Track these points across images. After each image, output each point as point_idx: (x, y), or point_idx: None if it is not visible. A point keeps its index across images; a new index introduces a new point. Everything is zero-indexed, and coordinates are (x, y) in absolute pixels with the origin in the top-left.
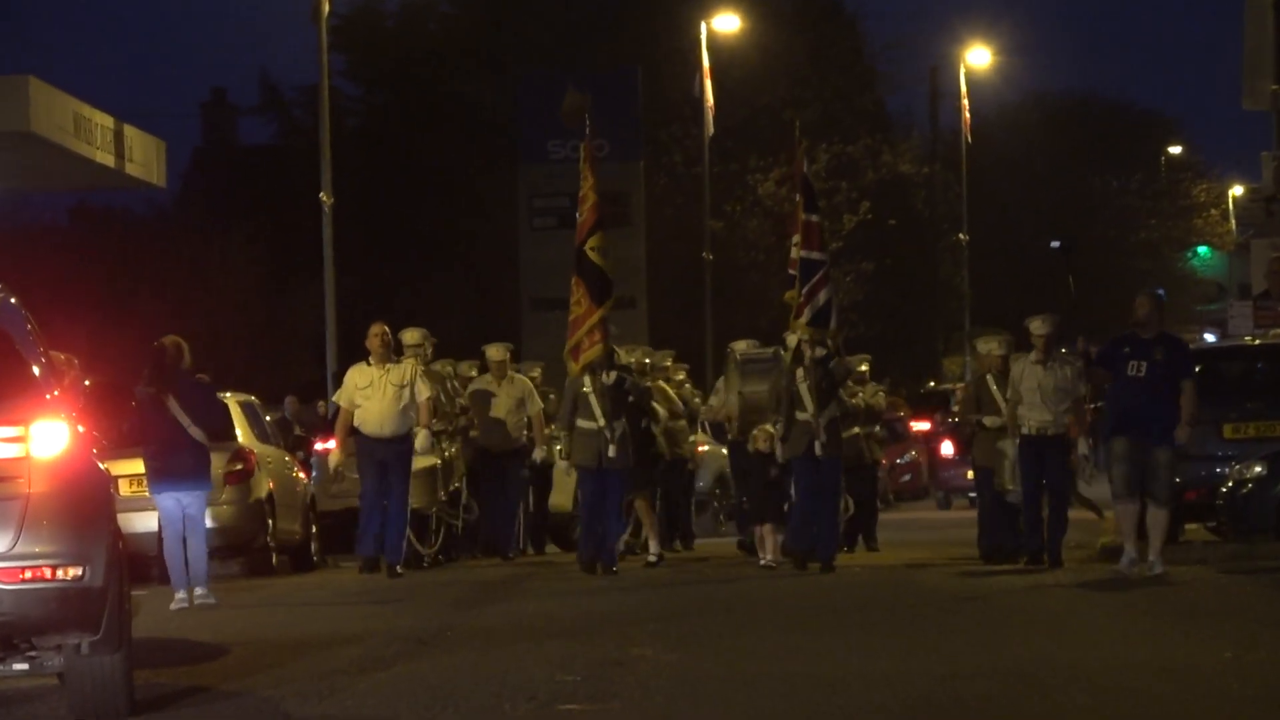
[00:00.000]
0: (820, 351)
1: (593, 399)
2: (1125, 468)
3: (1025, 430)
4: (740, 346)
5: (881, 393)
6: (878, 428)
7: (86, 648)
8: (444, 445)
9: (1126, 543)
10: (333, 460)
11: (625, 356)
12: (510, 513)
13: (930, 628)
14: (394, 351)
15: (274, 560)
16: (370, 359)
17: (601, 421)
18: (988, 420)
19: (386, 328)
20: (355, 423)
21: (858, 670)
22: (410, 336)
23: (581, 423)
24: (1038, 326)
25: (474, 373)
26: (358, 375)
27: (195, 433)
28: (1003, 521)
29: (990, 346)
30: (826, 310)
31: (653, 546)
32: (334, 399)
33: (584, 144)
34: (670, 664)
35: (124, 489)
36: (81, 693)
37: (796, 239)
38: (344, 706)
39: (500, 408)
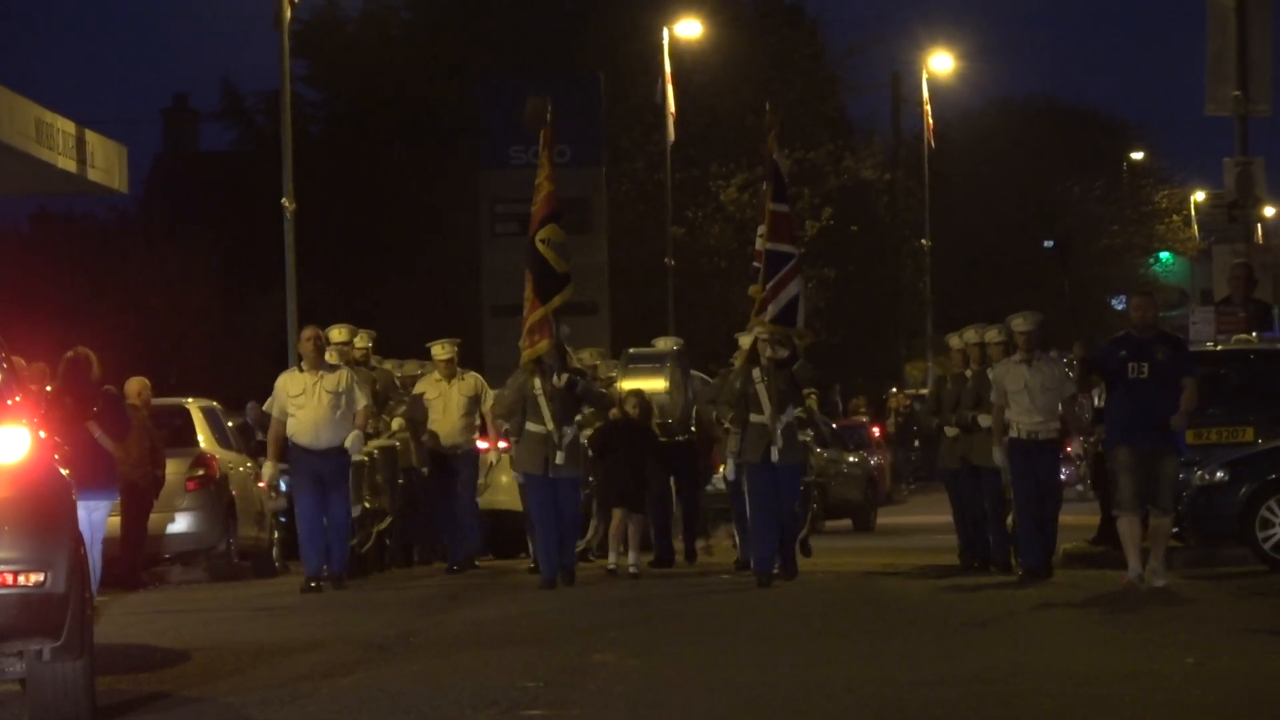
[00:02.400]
0: (782, 352)
1: (542, 401)
2: (1131, 478)
3: (1014, 434)
4: (664, 343)
5: (814, 395)
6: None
7: (48, 654)
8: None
9: (1131, 556)
10: (266, 472)
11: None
12: (469, 519)
13: (894, 635)
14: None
15: (235, 565)
16: (303, 364)
17: (550, 425)
18: (984, 419)
19: (320, 331)
20: (288, 433)
21: (820, 678)
22: (336, 334)
23: (530, 426)
24: (1020, 324)
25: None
26: (290, 382)
27: (106, 443)
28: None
29: (991, 335)
30: (792, 308)
31: (631, 558)
32: (265, 408)
33: (544, 130)
34: (632, 671)
35: None
36: (43, 699)
37: (763, 230)
38: (306, 713)
39: (451, 407)
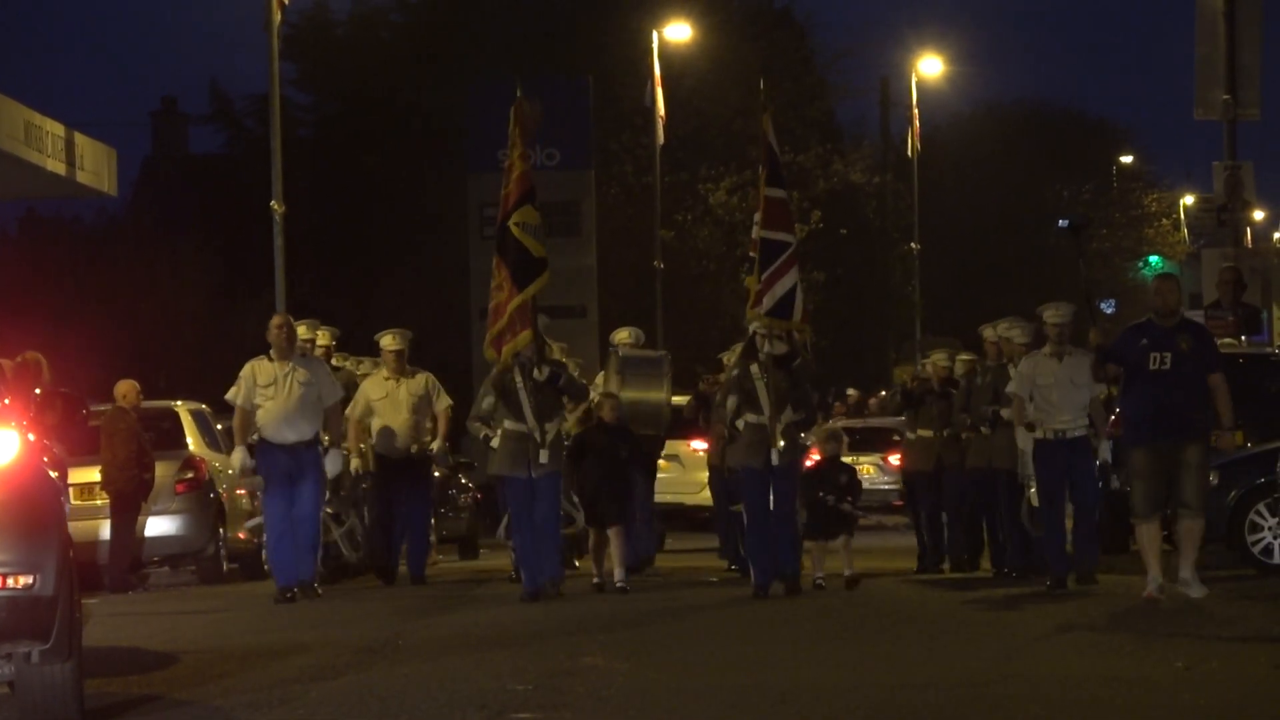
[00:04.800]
0: (781, 347)
1: (523, 397)
2: (1147, 482)
3: (1041, 435)
4: (621, 336)
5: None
6: None
7: (37, 656)
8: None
9: (1152, 565)
10: (235, 459)
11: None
12: (420, 529)
13: (882, 639)
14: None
15: (224, 568)
16: (272, 353)
17: (532, 423)
18: (1007, 414)
19: (290, 319)
20: (256, 425)
21: (809, 681)
22: (299, 331)
23: (509, 425)
24: (1052, 315)
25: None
26: (258, 371)
27: (57, 447)
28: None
29: (1014, 334)
30: (789, 300)
31: (617, 573)
32: (228, 396)
33: (514, 106)
34: (621, 674)
35: (74, 498)
36: (32, 701)
37: (758, 217)
38: (295, 715)
39: (400, 407)
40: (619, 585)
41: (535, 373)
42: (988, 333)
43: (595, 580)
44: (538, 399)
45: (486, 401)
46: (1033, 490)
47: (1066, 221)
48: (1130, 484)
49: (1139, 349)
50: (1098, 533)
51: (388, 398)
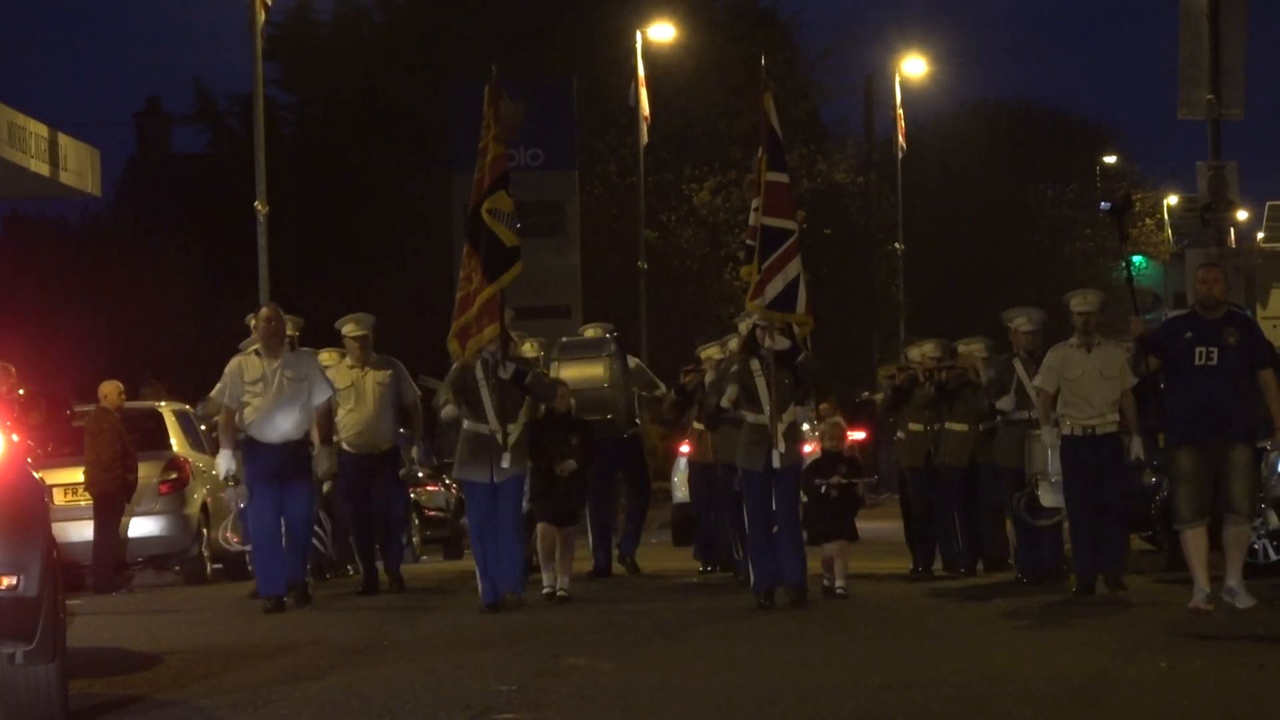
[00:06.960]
0: (783, 342)
1: (485, 395)
2: (1193, 485)
3: (1068, 431)
4: (589, 333)
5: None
6: None
7: (21, 657)
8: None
9: (1198, 574)
10: (221, 465)
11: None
12: (396, 527)
13: (868, 639)
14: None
15: (208, 570)
16: (259, 349)
17: (494, 424)
18: (1002, 403)
19: (279, 311)
20: (243, 424)
21: (794, 682)
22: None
23: (469, 425)
24: (1079, 303)
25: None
26: (245, 367)
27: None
28: (1041, 536)
29: (1019, 322)
30: (792, 291)
31: (562, 580)
32: (213, 394)
33: (488, 87)
34: (606, 674)
35: (58, 498)
36: (16, 702)
37: (757, 203)
38: (279, 716)
39: (366, 399)
40: (561, 595)
41: (499, 370)
42: (1009, 323)
43: (545, 590)
44: (501, 398)
45: (447, 410)
46: (1042, 488)
47: (1109, 204)
48: (1172, 487)
49: (1183, 342)
50: (1127, 533)
51: (352, 387)
